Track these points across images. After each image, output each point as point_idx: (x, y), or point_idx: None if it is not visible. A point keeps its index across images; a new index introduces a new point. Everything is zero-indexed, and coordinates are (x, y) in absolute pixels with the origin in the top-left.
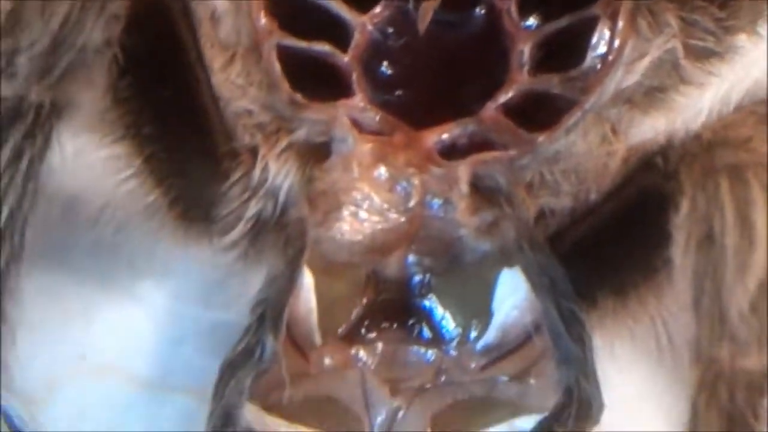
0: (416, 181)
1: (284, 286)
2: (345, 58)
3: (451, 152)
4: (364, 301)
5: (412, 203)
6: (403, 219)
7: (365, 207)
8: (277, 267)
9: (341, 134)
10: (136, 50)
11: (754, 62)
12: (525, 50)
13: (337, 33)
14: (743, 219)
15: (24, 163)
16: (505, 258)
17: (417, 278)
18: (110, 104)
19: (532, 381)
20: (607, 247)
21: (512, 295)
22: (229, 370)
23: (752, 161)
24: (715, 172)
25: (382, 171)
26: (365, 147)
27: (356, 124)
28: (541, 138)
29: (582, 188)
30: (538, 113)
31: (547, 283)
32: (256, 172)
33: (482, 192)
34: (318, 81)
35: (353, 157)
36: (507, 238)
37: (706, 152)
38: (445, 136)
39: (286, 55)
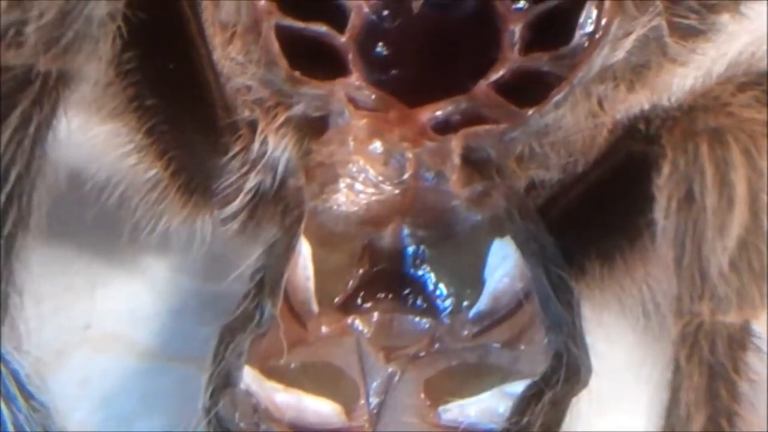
0: (410, 155)
1: (282, 254)
2: (342, 39)
3: (444, 128)
4: (360, 271)
5: (405, 176)
6: (397, 191)
7: (360, 179)
8: (275, 236)
9: (338, 109)
10: (140, 25)
11: (736, 36)
12: (516, 30)
13: (335, 15)
14: (722, 180)
15: (32, 129)
16: (496, 228)
17: (411, 249)
18: (113, 77)
19: (522, 347)
20: (594, 214)
21: (503, 264)
22: (229, 333)
23: (732, 125)
24: (696, 135)
25: (377, 145)
26: (361, 122)
27: (352, 102)
28: (530, 112)
29: (570, 160)
30: (528, 89)
31: (537, 250)
32: (255, 146)
33: (474, 164)
34: (315, 61)
35: (349, 132)
36: (498, 209)
37: (687, 116)
38: (438, 112)
39: (284, 35)
